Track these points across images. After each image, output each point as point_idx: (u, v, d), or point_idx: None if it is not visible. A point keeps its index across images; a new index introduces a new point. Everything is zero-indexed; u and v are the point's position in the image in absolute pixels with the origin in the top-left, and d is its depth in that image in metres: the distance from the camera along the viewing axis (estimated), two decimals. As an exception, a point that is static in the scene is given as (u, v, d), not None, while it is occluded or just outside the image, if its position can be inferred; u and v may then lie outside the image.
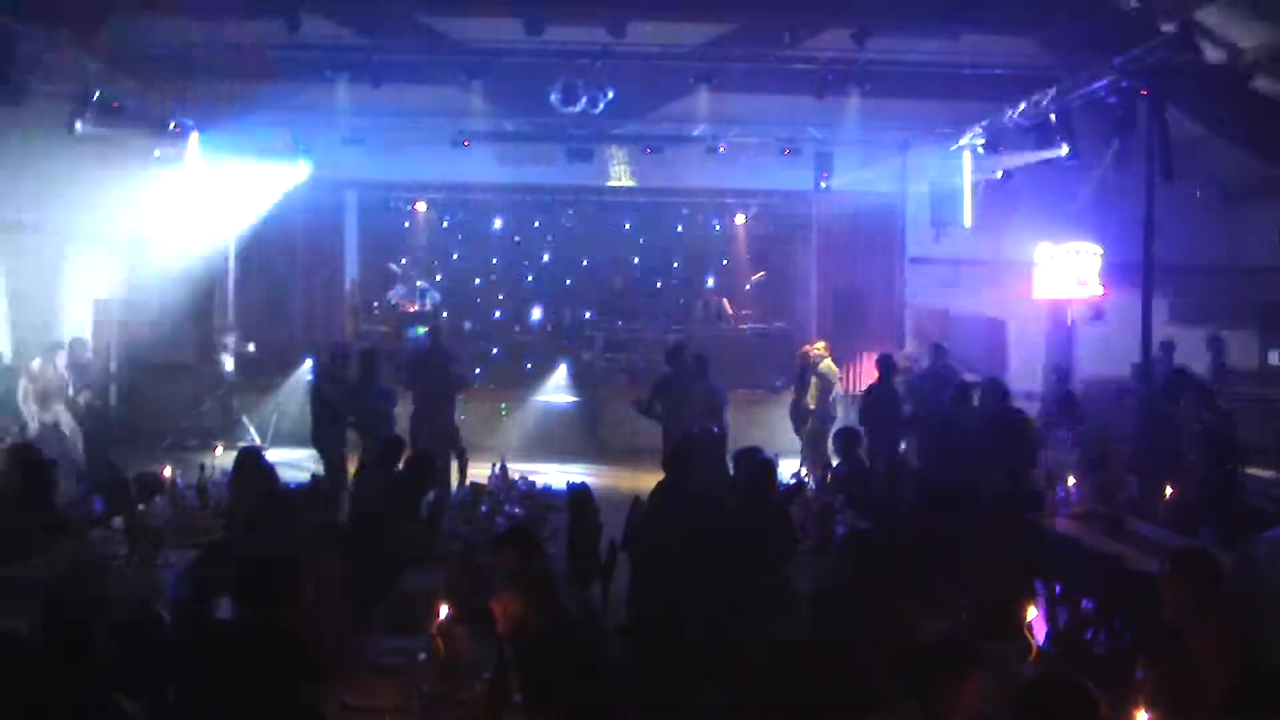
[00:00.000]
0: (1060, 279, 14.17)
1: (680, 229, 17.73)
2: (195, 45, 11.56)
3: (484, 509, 7.03)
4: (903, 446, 10.51)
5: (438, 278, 17.09)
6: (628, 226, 17.57)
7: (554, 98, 11.99)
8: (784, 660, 4.29)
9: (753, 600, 5.35)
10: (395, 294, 15.89)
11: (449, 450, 10.13)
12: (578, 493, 6.96)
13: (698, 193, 16.27)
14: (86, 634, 3.35)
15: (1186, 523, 7.01)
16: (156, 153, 12.81)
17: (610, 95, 12.03)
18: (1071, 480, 7.84)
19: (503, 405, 14.51)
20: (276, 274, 15.02)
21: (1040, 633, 5.55)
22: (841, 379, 12.76)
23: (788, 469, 9.63)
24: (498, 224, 17.70)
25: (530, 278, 17.67)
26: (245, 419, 13.65)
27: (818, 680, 4.07)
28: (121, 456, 10.77)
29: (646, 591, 6.12)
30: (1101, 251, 13.65)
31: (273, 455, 8.72)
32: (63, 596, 4.47)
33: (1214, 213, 14.52)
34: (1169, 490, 7.46)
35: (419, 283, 16.14)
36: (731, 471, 7.62)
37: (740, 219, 17.32)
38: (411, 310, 15.62)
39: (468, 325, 16.51)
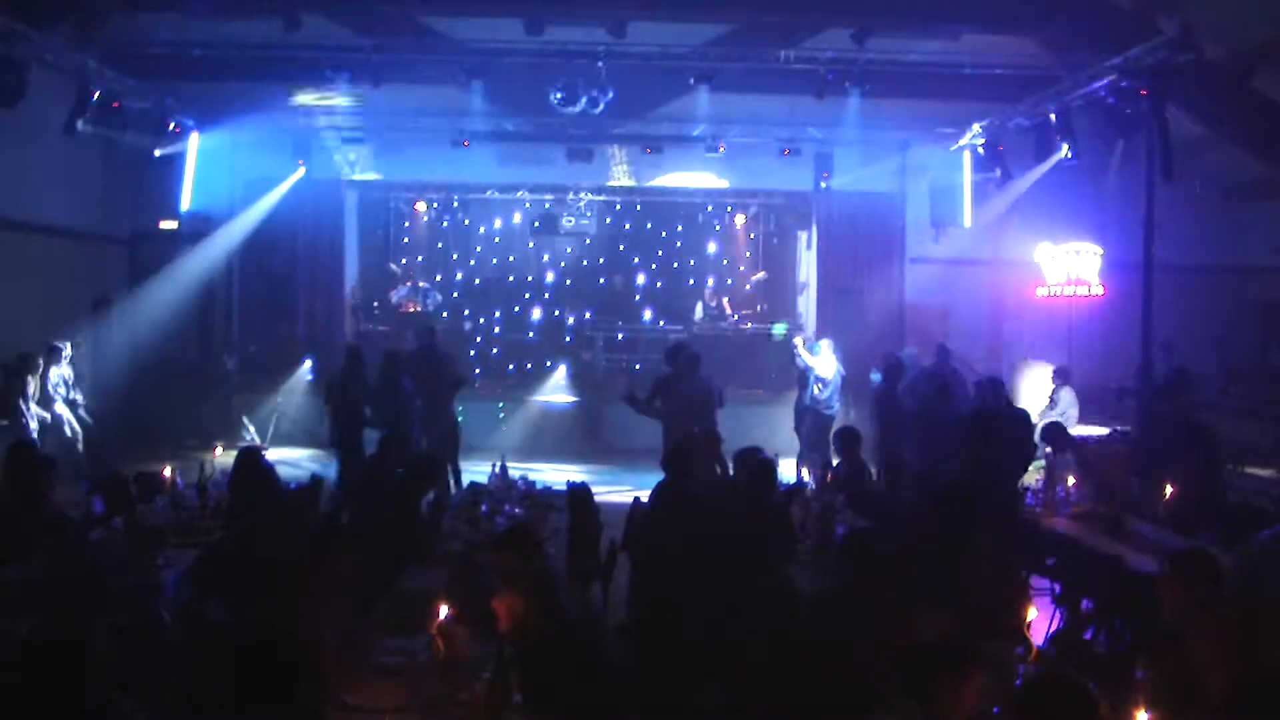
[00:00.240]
0: (1060, 279, 14.16)
1: (680, 229, 17.71)
2: (195, 45, 11.59)
3: (484, 509, 7.04)
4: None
5: (438, 278, 17.07)
6: (628, 226, 17.56)
7: (554, 98, 12.00)
8: (784, 660, 4.28)
9: (753, 600, 5.34)
10: (398, 295, 15.89)
11: (449, 450, 10.12)
12: (577, 492, 6.94)
13: (697, 193, 16.28)
14: (86, 634, 3.34)
15: (1186, 523, 7.01)
16: (157, 153, 12.83)
17: (610, 95, 12.03)
18: (1071, 480, 7.84)
19: (502, 405, 14.52)
20: (276, 274, 15.00)
21: (1040, 633, 5.55)
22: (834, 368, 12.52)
23: (788, 469, 9.63)
24: (498, 224, 17.71)
25: (530, 278, 17.65)
26: (245, 419, 13.65)
27: (818, 680, 4.07)
28: (121, 456, 10.78)
29: (646, 591, 6.11)
30: (1101, 251, 13.64)
31: (273, 455, 8.73)
32: (63, 596, 4.47)
33: (1214, 213, 14.53)
34: (1169, 490, 7.45)
35: (420, 283, 16.13)
36: (731, 471, 7.62)
37: (740, 219, 17.33)
38: (412, 310, 15.62)
39: (468, 325, 16.50)
